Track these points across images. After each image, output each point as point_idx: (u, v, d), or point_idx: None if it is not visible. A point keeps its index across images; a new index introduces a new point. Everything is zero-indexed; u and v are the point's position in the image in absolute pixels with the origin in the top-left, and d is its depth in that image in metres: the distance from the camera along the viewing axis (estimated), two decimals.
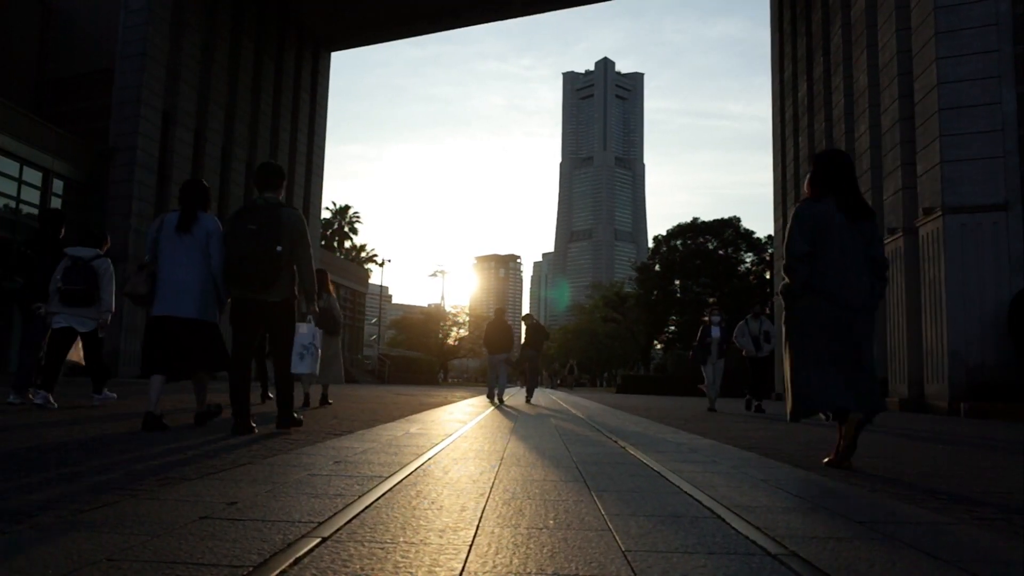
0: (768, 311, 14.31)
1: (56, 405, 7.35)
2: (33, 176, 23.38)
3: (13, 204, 22.84)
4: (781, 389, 11.32)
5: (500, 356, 14.29)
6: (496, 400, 13.88)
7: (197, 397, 5.87)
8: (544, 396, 21.80)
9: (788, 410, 4.33)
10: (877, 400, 4.23)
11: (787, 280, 4.36)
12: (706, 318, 13.64)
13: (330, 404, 9.77)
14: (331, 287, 9.54)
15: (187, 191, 5.70)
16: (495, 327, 14.46)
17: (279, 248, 5.20)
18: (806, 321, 4.28)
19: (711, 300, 15.86)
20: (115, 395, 8.46)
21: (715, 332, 13.17)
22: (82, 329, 7.69)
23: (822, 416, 4.30)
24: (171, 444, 4.51)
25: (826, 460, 4.35)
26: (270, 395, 9.39)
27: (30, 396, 7.69)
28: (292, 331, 5.63)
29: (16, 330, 6.87)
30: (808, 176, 4.46)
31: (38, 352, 7.76)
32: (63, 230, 8.43)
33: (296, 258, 5.44)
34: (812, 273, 4.21)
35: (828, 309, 4.18)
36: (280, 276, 5.29)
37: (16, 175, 22.73)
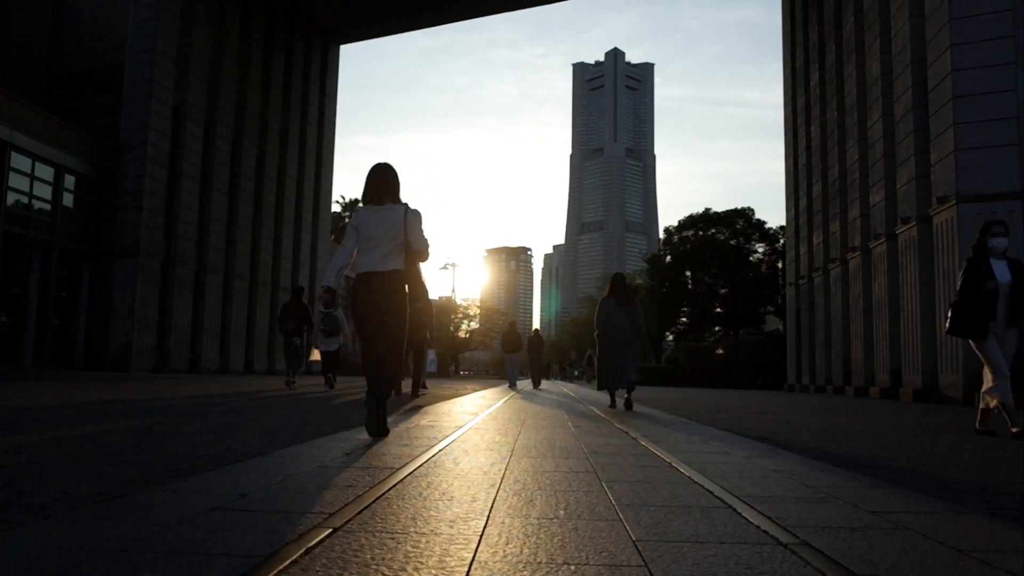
0: None
1: (333, 390, 13.48)
2: (45, 172, 23.55)
3: (26, 200, 23.02)
4: None
5: (513, 355, 20.35)
6: (511, 386, 18.85)
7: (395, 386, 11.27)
8: (556, 388, 21.87)
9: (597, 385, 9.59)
10: (631, 382, 9.06)
11: (597, 331, 9.33)
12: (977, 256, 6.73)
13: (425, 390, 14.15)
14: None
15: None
16: (509, 334, 20.49)
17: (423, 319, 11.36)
18: (603, 348, 9.22)
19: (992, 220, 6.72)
20: (330, 388, 13.84)
21: (1003, 273, 6.53)
22: (331, 348, 13.95)
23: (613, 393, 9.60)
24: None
25: (611, 406, 9.55)
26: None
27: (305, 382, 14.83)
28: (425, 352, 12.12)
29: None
30: (608, 287, 9.58)
31: (297, 362, 14.20)
32: (303, 295, 14.59)
33: (427, 318, 11.96)
34: (605, 328, 9.18)
35: (610, 344, 9.13)
36: (422, 327, 11.25)
37: (28, 171, 22.90)
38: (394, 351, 4.84)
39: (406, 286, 4.92)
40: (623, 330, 9.04)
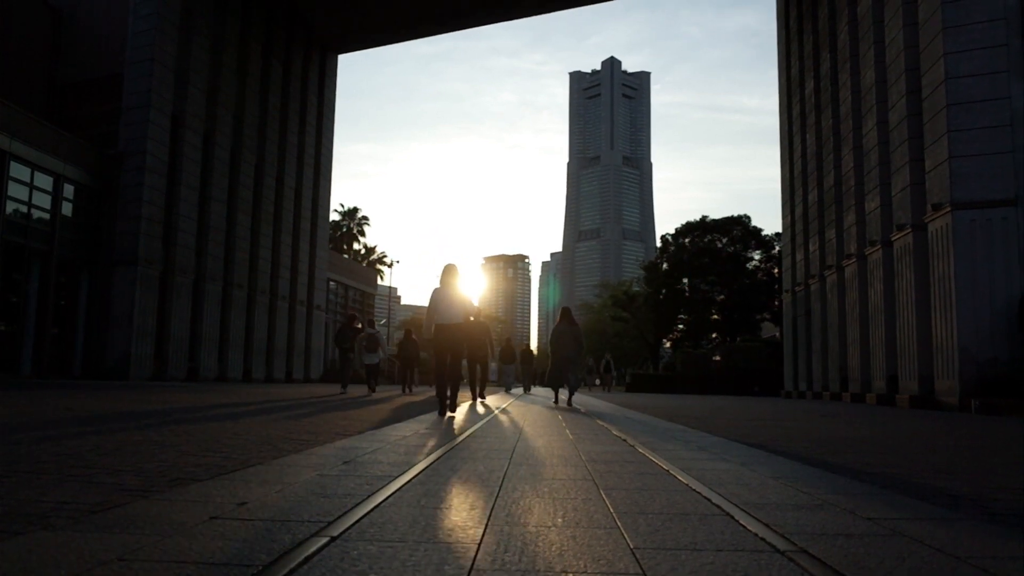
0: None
1: (375, 394, 16.19)
2: (44, 181, 23.54)
3: (25, 209, 23.01)
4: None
5: (508, 366, 23.99)
6: (507, 391, 22.30)
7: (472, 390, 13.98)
8: (551, 395, 21.95)
9: (548, 384, 13.51)
10: (573, 387, 12.73)
11: (550, 349, 12.89)
12: None
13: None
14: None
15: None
16: (506, 348, 23.74)
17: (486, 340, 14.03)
18: (554, 360, 12.76)
19: None
20: (371, 392, 17.36)
21: None
22: (373, 362, 17.84)
23: (556, 394, 13.41)
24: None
25: (555, 402, 13.21)
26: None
27: (345, 391, 17.40)
28: (487, 364, 14.39)
29: None
30: (559, 316, 13.01)
31: (348, 372, 18.18)
32: (356, 320, 18.32)
33: (487, 339, 14.05)
34: (556, 347, 12.72)
35: (559, 358, 12.70)
36: (483, 347, 13.77)
37: (27, 180, 22.89)
38: (457, 372, 8.82)
39: (465, 331, 8.99)
40: (569, 348, 12.69)
